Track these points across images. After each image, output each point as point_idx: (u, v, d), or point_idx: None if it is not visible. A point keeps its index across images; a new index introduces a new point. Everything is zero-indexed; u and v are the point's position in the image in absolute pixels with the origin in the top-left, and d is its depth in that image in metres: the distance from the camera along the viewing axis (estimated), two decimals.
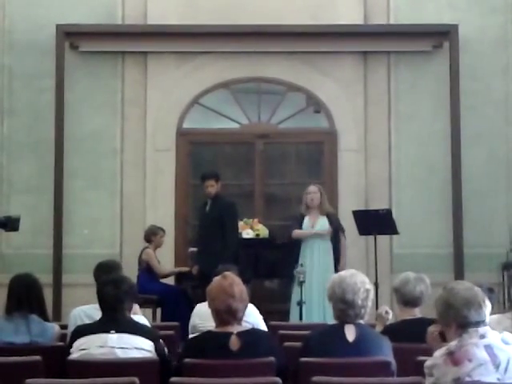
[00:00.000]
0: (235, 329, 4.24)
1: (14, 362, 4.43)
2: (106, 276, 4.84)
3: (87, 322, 4.94)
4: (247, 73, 10.21)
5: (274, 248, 9.19)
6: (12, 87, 10.05)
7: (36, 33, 10.01)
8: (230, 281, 4.32)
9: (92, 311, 5.07)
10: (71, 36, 9.98)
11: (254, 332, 4.39)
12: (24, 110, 10.01)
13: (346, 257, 8.64)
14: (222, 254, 8.11)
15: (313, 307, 8.20)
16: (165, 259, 9.37)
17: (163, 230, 9.23)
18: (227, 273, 4.45)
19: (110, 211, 9.97)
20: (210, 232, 8.58)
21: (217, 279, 4.38)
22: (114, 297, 4.52)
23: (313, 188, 8.67)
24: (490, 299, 5.57)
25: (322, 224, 8.54)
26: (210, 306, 4.34)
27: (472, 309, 3.56)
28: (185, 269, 9.28)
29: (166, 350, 4.62)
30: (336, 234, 8.54)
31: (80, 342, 4.41)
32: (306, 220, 8.59)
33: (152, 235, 9.14)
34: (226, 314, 4.26)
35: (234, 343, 4.19)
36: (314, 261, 8.44)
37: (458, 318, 3.57)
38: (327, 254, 8.49)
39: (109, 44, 10.04)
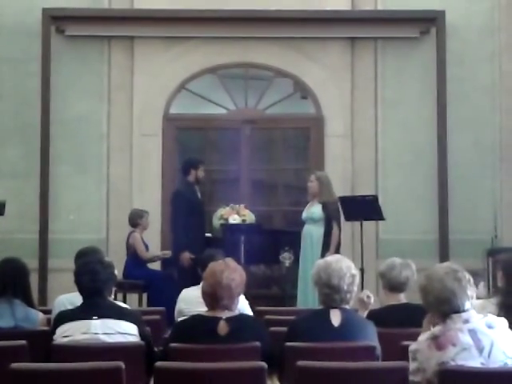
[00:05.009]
0: (224, 314, 4.26)
1: None
2: (82, 263, 4.72)
3: None
4: (234, 58, 10.17)
5: (260, 233, 9.18)
6: None
7: (22, 17, 9.94)
8: (223, 267, 4.32)
9: (76, 299, 4.91)
10: (57, 20, 9.91)
11: (242, 317, 4.39)
12: (10, 94, 9.94)
13: (338, 246, 8.27)
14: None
15: (308, 293, 8.10)
16: (151, 245, 9.34)
17: (147, 212, 9.22)
18: (229, 259, 4.46)
19: (96, 196, 9.94)
20: None
21: (216, 262, 4.42)
22: (92, 288, 4.49)
23: (311, 177, 8.65)
24: (478, 277, 5.68)
25: (313, 211, 8.47)
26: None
27: (445, 304, 3.59)
28: (168, 252, 9.27)
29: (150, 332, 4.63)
30: (329, 222, 8.48)
31: (63, 329, 4.39)
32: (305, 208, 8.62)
33: (138, 218, 9.11)
34: (209, 298, 4.29)
35: (222, 328, 4.20)
36: (307, 248, 8.42)
37: (435, 312, 3.65)
38: (319, 242, 8.45)
39: (95, 28, 9.97)
